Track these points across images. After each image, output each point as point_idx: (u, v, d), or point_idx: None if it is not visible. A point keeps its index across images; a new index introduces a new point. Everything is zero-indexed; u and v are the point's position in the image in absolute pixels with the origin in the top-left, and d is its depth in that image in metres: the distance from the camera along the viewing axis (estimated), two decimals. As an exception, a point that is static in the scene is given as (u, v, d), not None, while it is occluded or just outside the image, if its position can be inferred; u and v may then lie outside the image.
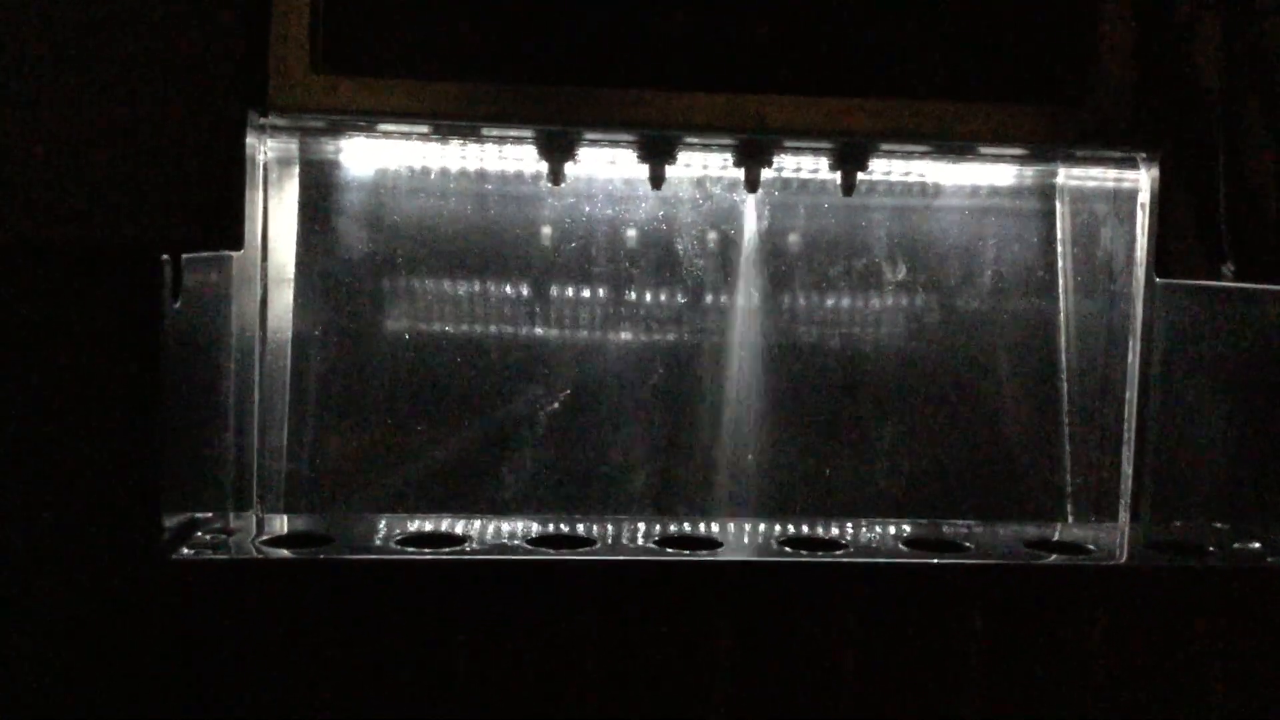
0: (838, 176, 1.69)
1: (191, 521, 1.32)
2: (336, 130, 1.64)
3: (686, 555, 1.30)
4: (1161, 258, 1.64)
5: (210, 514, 1.39)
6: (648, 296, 1.76)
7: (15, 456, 1.21)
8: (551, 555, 1.27)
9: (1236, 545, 1.41)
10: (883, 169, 1.75)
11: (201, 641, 1.21)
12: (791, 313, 1.77)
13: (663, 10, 1.61)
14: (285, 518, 1.54)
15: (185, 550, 1.25)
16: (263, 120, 1.56)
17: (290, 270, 1.68)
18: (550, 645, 1.26)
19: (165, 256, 1.23)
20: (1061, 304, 1.79)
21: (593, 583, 1.27)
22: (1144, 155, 1.65)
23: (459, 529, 1.38)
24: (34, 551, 1.19)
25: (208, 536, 1.31)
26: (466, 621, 1.25)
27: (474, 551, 1.28)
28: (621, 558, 1.29)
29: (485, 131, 1.63)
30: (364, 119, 1.59)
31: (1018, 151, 1.70)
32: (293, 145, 1.66)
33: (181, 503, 1.29)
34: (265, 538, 1.34)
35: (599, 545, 1.33)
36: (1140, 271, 1.69)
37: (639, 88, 1.60)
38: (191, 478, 1.35)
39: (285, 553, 1.28)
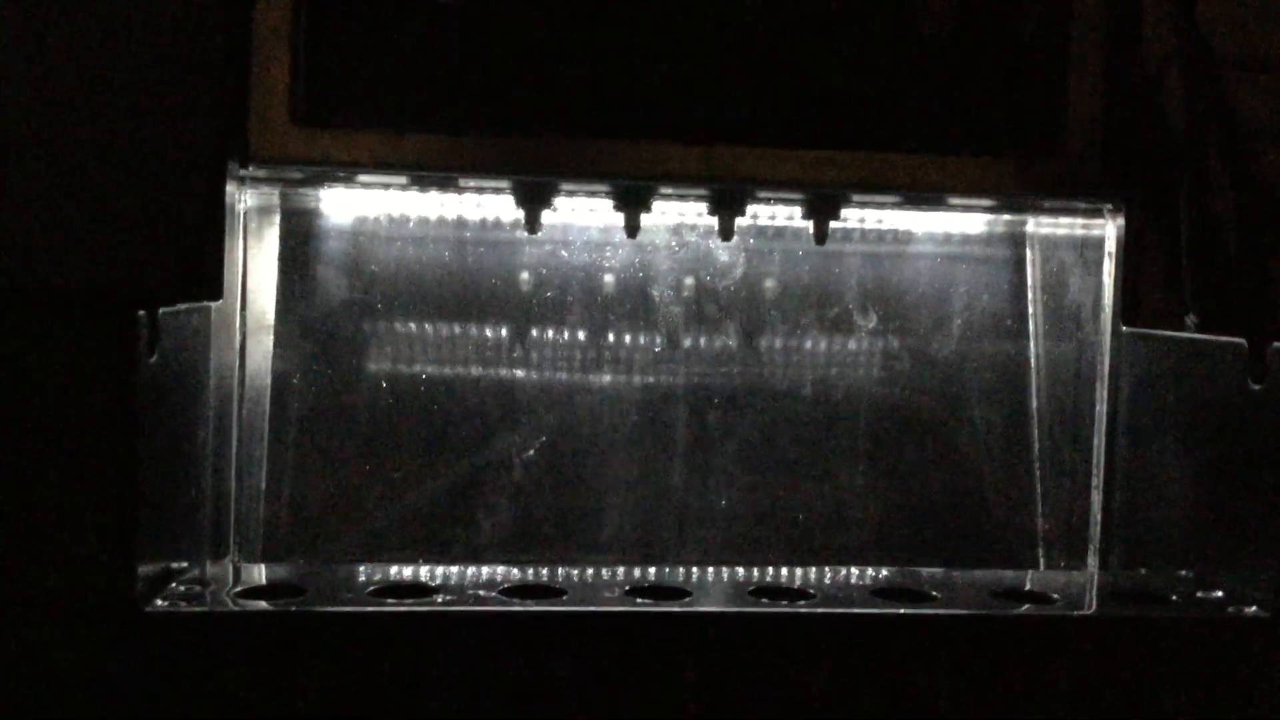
0: (811, 225, 1.72)
1: (167, 571, 1.34)
2: (316, 181, 1.66)
3: (656, 607, 1.31)
4: (1127, 307, 1.67)
5: (186, 563, 1.40)
6: (625, 341, 1.79)
7: (-11, 507, 1.22)
8: (522, 608, 1.29)
9: (1200, 594, 1.43)
10: (856, 217, 1.78)
11: (176, 694, 1.22)
12: (766, 358, 1.80)
13: (637, 63, 1.64)
14: (262, 566, 1.56)
15: (160, 602, 1.26)
16: (243, 171, 1.59)
17: (270, 318, 1.70)
18: (522, 695, 1.28)
19: (142, 312, 1.25)
20: (1032, 350, 1.82)
21: (563, 634, 1.28)
22: (1110, 206, 1.69)
23: (434, 577, 1.40)
24: (5, 603, 1.20)
25: (182, 588, 1.32)
26: (440, 671, 1.27)
27: (446, 603, 1.30)
28: (592, 609, 1.30)
29: (463, 182, 1.66)
30: (343, 170, 1.61)
31: (988, 202, 1.73)
32: (273, 195, 1.69)
33: (157, 552, 1.30)
34: (240, 589, 1.36)
35: (570, 595, 1.34)
36: (1108, 318, 1.71)
37: (614, 139, 1.63)
38: (167, 526, 1.36)
39: (260, 605, 1.29)
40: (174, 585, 1.33)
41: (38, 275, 1.50)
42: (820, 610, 1.31)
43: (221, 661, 1.23)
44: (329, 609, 1.27)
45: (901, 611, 1.31)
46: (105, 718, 1.21)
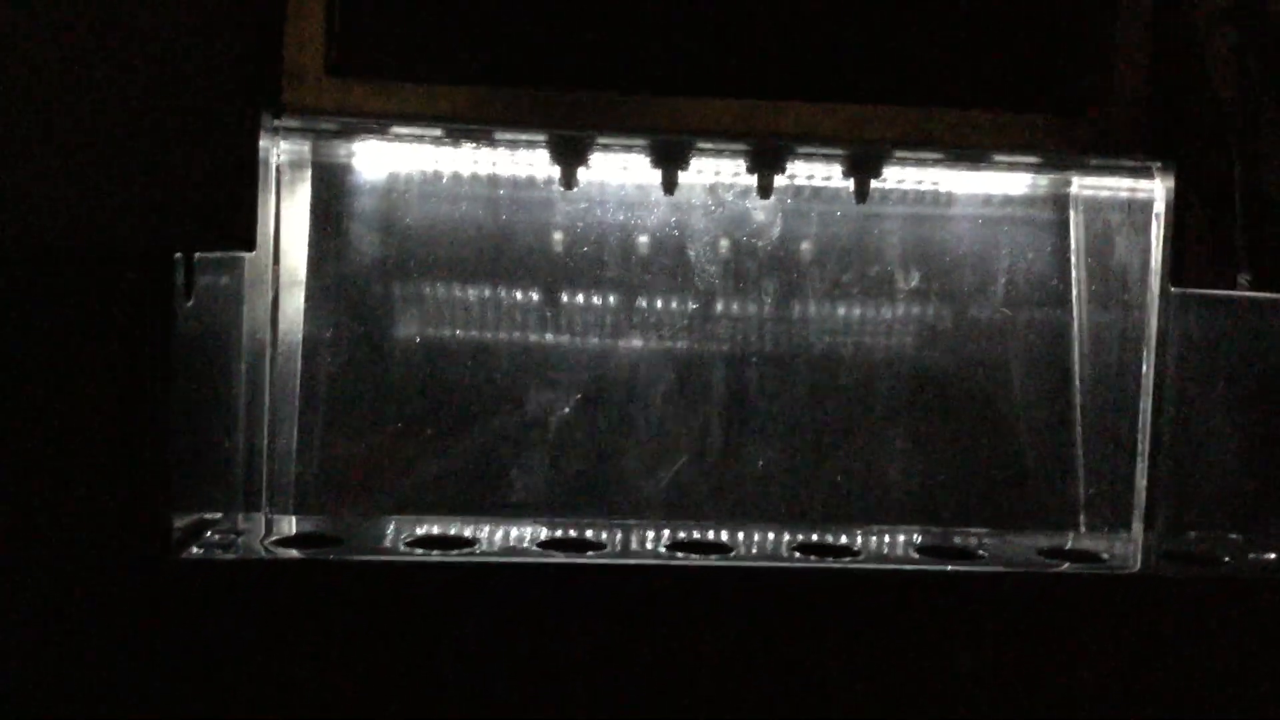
0: (851, 184, 1.69)
1: (201, 522, 1.32)
2: (349, 133, 1.64)
3: (696, 560, 1.29)
4: (1176, 267, 1.63)
5: (220, 515, 1.39)
6: (659, 303, 1.76)
7: (26, 455, 1.21)
8: (560, 558, 1.27)
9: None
10: (896, 177, 1.75)
11: (210, 640, 1.20)
12: (804, 320, 1.77)
13: (677, 16, 1.61)
14: (294, 519, 1.54)
15: (195, 550, 1.25)
16: (276, 122, 1.56)
17: (302, 273, 1.68)
18: (559, 648, 1.25)
19: (178, 255, 1.24)
20: (1075, 313, 1.79)
21: (602, 586, 1.26)
22: (1159, 164, 1.65)
23: (468, 532, 1.38)
24: (45, 550, 1.19)
25: (216, 536, 1.30)
26: (475, 622, 1.25)
27: (483, 554, 1.28)
28: (631, 561, 1.28)
29: (498, 135, 1.63)
30: (377, 122, 1.58)
31: (1032, 160, 1.70)
32: (305, 148, 1.66)
33: (191, 503, 1.29)
34: (274, 538, 1.34)
35: (608, 549, 1.32)
36: (1155, 281, 1.68)
37: (652, 93, 1.60)
38: (201, 478, 1.35)
39: (294, 553, 1.27)
40: (208, 535, 1.31)
41: (74, 226, 1.48)
42: (868, 566, 1.28)
43: (255, 609, 1.22)
44: (366, 558, 1.25)
45: (949, 568, 1.28)
46: (140, 664, 1.19)
